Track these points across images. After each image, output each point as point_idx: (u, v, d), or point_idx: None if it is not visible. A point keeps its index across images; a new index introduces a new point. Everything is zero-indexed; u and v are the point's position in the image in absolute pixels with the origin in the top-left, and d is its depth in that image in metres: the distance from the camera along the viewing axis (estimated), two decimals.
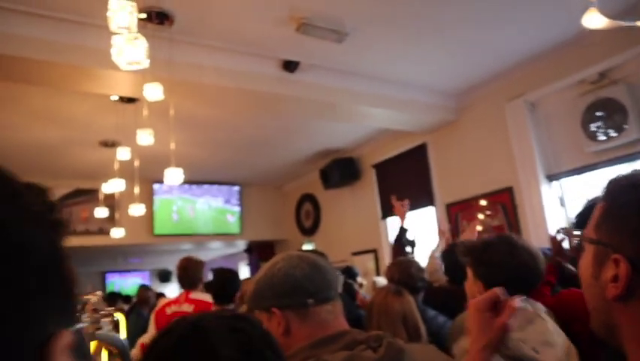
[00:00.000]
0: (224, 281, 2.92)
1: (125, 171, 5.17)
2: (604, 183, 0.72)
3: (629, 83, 3.73)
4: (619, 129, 3.74)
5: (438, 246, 3.54)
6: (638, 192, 0.65)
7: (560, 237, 3.03)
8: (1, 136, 5.14)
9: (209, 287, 3.02)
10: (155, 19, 3.21)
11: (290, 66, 4.00)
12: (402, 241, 3.33)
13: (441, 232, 3.73)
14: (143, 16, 3.17)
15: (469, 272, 1.64)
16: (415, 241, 3.46)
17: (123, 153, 4.71)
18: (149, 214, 7.17)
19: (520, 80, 4.52)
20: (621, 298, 0.63)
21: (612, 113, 3.77)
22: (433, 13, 3.48)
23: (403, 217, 3.51)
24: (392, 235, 5.90)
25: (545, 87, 4.31)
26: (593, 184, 4.09)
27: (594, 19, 2.31)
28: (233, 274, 3.10)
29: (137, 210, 5.36)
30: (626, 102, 3.68)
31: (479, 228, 4.96)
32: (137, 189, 5.23)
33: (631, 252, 0.62)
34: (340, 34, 3.55)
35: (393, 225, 6.23)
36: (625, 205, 0.66)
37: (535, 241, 4.02)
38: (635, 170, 0.70)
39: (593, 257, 0.69)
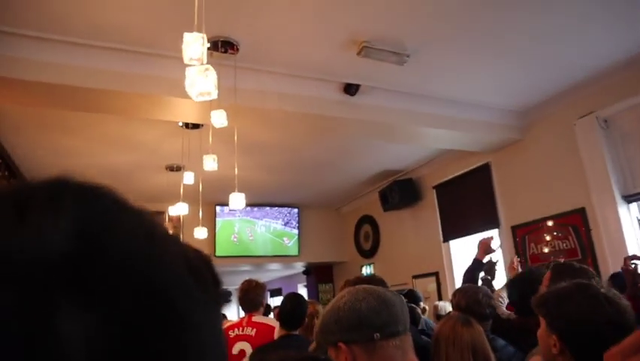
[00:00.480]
0: (293, 307, 2.91)
1: (189, 193, 5.33)
2: None
3: None
4: None
5: (505, 283, 3.34)
6: None
7: (633, 266, 2.81)
8: (80, 162, 5.45)
9: (278, 313, 3.03)
10: (221, 47, 3.32)
11: (351, 89, 4.01)
12: (474, 273, 3.20)
13: (511, 268, 3.51)
14: (209, 45, 3.30)
15: (542, 322, 1.45)
16: (495, 274, 3.33)
17: (188, 177, 4.86)
18: (212, 236, 7.34)
19: (591, 96, 4.32)
20: None
21: None
22: (497, 28, 3.40)
23: (485, 252, 3.33)
24: (464, 263, 5.76)
25: (619, 103, 4.09)
26: None
27: None
28: (301, 299, 3.09)
29: (201, 233, 5.49)
30: None
31: (546, 250, 4.73)
32: (200, 212, 5.37)
33: None
34: (401, 56, 3.54)
35: (466, 250, 6.05)
36: None
37: (613, 266, 3.78)
38: None
39: None
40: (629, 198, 4.11)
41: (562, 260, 3.95)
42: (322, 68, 3.81)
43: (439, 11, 3.14)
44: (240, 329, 3.21)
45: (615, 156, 4.20)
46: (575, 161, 4.45)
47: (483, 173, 5.64)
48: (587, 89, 4.33)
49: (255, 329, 3.17)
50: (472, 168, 5.80)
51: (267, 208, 8.07)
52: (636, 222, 4.10)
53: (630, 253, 3.84)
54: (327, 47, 3.48)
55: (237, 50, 3.40)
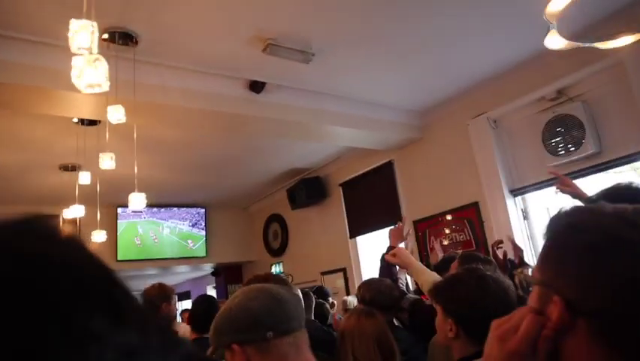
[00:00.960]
0: (204, 309, 2.83)
1: (88, 195, 5.00)
2: (548, 220, 0.70)
3: (584, 100, 3.88)
4: (577, 144, 3.87)
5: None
6: (576, 235, 0.63)
7: (500, 252, 3.11)
8: None
9: (189, 316, 2.93)
10: (119, 39, 3.15)
11: (256, 87, 3.98)
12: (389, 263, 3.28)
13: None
14: (107, 36, 3.12)
15: (438, 309, 1.54)
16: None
17: (84, 177, 4.56)
18: (113, 240, 6.95)
19: (483, 98, 4.64)
20: (554, 338, 0.62)
21: (570, 128, 3.91)
22: (398, 34, 3.54)
23: (398, 240, 3.41)
24: (371, 258, 5.92)
25: (507, 105, 4.43)
26: (554, 198, 4.20)
27: (555, 41, 2.39)
28: (212, 300, 3.02)
29: (99, 236, 5.17)
30: (582, 118, 3.83)
31: (445, 242, 5.00)
32: (99, 215, 5.06)
33: (568, 295, 0.61)
34: (307, 55, 3.57)
35: (372, 245, 6.23)
36: (563, 248, 0.65)
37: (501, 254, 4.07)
38: (576, 206, 0.68)
39: (538, 295, 0.67)
40: (515, 192, 4.47)
41: (459, 252, 4.20)
42: (227, 65, 3.75)
43: (344, 11, 3.20)
44: None
45: (503, 153, 4.55)
46: (469, 158, 4.75)
47: (387, 170, 5.85)
48: (480, 92, 4.64)
49: None
50: (376, 165, 5.99)
51: (174, 209, 7.82)
52: (521, 213, 4.47)
53: (517, 242, 4.19)
54: (232, 42, 3.43)
55: (137, 42, 3.25)
